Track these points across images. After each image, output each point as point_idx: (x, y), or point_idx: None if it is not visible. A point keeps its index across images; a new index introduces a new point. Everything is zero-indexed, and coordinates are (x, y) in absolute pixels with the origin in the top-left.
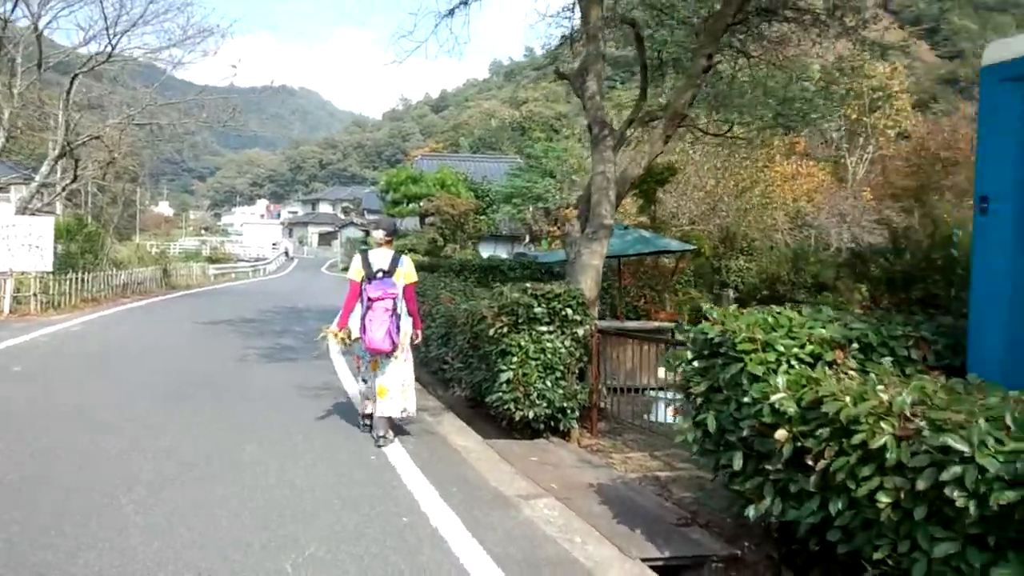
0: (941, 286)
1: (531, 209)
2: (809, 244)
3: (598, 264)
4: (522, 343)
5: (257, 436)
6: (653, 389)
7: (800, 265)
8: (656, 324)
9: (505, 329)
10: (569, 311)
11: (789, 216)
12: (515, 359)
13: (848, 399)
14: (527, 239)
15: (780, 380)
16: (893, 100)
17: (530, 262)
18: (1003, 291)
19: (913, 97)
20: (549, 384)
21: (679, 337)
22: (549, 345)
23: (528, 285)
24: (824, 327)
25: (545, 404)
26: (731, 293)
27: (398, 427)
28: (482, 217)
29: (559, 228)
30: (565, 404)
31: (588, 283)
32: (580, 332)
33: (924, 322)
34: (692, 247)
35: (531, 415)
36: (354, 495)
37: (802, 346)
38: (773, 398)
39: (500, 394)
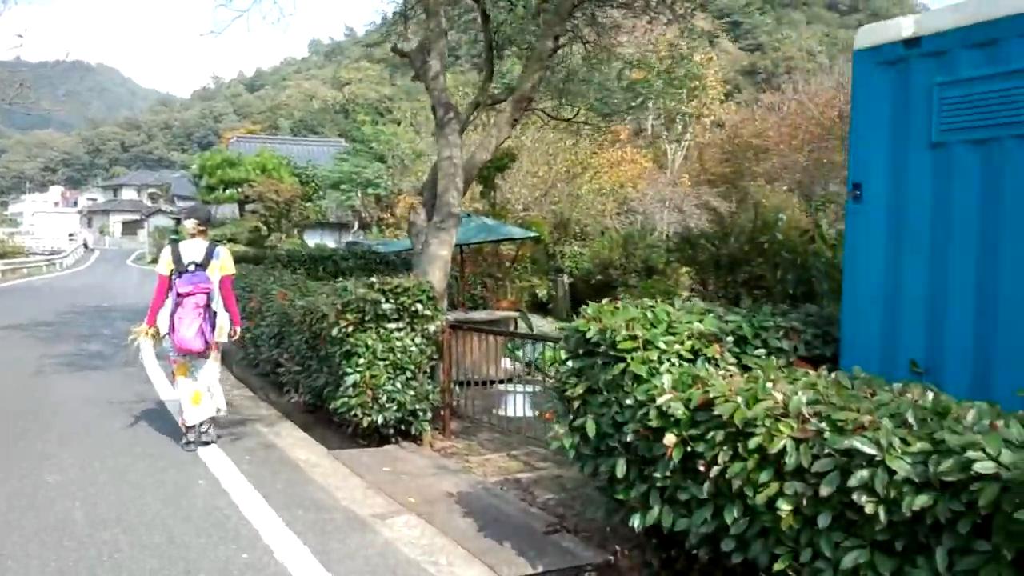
0: (765, 268)
1: (360, 195)
2: (638, 229)
3: (447, 255)
4: (369, 343)
5: (58, 467)
6: (499, 381)
7: (631, 250)
8: (501, 314)
9: (350, 328)
10: (419, 306)
11: (617, 202)
12: (362, 360)
13: (740, 400)
14: (356, 227)
15: (666, 380)
16: (708, 89)
17: (364, 252)
18: (876, 280)
19: (726, 87)
20: (399, 386)
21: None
22: (399, 344)
23: (374, 279)
24: (700, 321)
25: (395, 407)
26: (566, 279)
27: (230, 442)
28: (308, 204)
29: (391, 215)
30: (417, 406)
31: (437, 275)
32: (431, 328)
33: (790, 312)
34: (533, 234)
35: (380, 420)
36: (181, 532)
37: (682, 342)
38: (660, 400)
39: (346, 399)
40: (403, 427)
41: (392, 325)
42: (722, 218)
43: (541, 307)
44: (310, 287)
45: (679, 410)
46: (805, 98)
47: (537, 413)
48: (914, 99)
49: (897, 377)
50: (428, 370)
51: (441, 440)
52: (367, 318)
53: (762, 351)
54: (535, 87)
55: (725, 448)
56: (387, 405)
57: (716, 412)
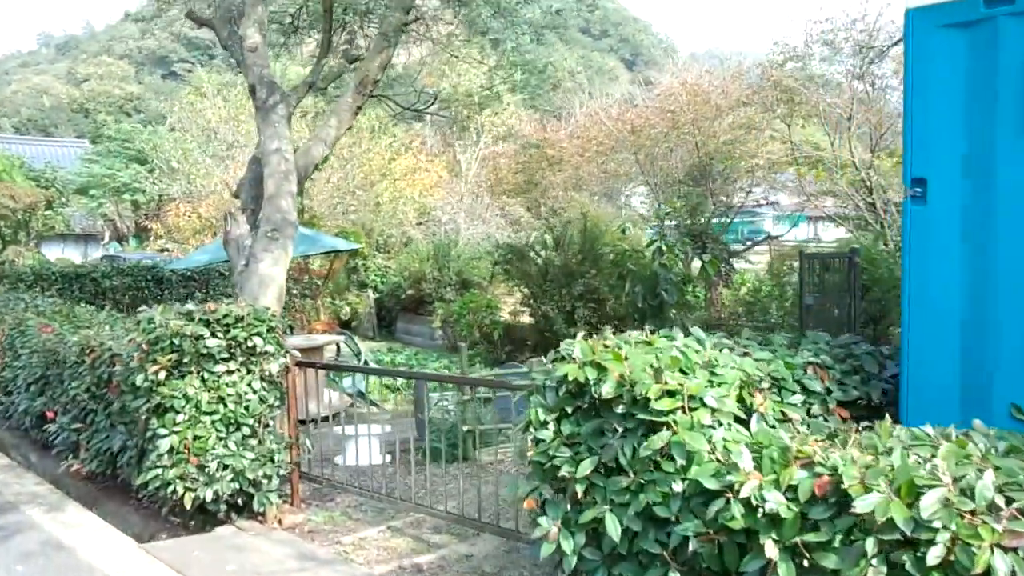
0: (600, 281)
1: (115, 202)
2: (449, 240)
3: (282, 274)
4: (190, 392)
5: None
6: (324, 419)
7: (444, 262)
8: (323, 339)
9: (162, 374)
10: (258, 341)
11: (418, 211)
12: (181, 417)
13: (883, 485)
14: (107, 238)
15: (745, 457)
16: (500, 97)
17: (132, 268)
18: (951, 302)
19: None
20: (234, 447)
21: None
22: (231, 391)
23: (192, 307)
24: (741, 361)
25: (231, 477)
26: (371, 294)
27: None
28: (49, 212)
29: (158, 224)
30: (260, 473)
31: (270, 300)
32: (273, 368)
33: (813, 342)
34: (357, 245)
35: (210, 496)
36: None
37: (730, 395)
38: (746, 488)
39: (158, 470)
40: (241, 501)
41: (221, 367)
42: (554, 228)
43: (344, 325)
44: (79, 316)
45: (781, 504)
46: (597, 109)
47: (389, 460)
48: (1003, 71)
49: (993, 426)
50: (271, 422)
51: (292, 513)
52: (186, 359)
53: (799, 396)
54: (383, 67)
55: (877, 566)
56: (219, 475)
57: (856, 509)
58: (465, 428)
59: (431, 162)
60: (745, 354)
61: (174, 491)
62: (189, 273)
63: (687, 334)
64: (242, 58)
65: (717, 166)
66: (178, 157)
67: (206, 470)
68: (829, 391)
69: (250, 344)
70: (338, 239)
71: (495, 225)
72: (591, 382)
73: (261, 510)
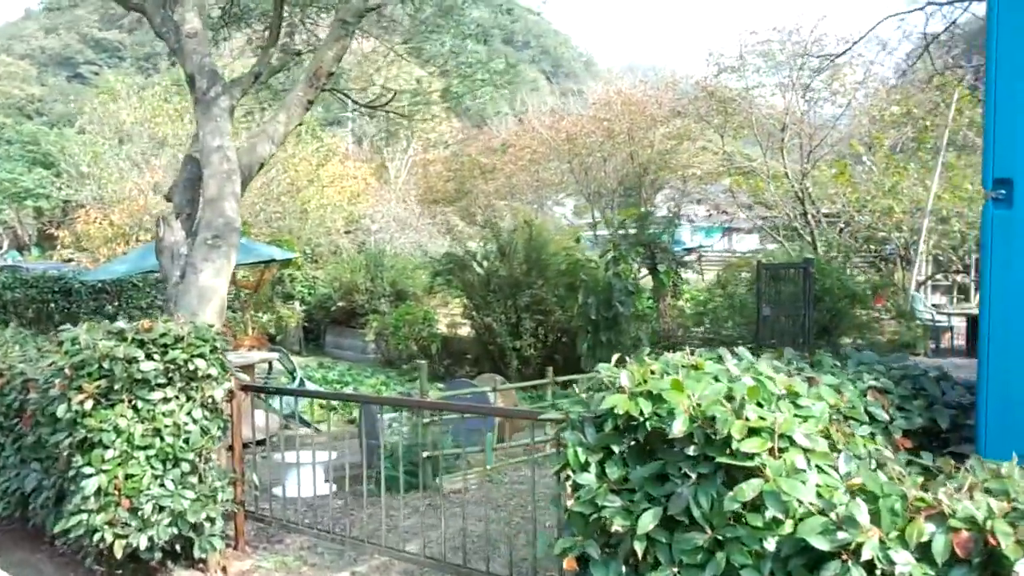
0: (546, 292)
1: (15, 208)
2: (380, 250)
3: (224, 286)
4: (121, 424)
5: None
6: (254, 444)
7: (377, 272)
8: (258, 356)
9: (89, 404)
10: (200, 363)
11: (346, 219)
12: (111, 453)
13: None
14: (5, 246)
15: (860, 506)
16: (431, 105)
17: (37, 279)
18: None
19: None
20: (172, 486)
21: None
22: (168, 422)
23: (123, 325)
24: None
25: (168, 521)
26: (298, 306)
27: None
28: None
29: (66, 232)
30: (203, 514)
31: (211, 315)
32: (218, 394)
33: (861, 362)
34: (293, 254)
35: (143, 543)
36: None
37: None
38: (868, 548)
39: (82, 515)
40: (179, 547)
41: (157, 395)
42: (500, 238)
43: (271, 340)
44: None
45: (913, 567)
46: (531, 117)
47: (334, 489)
48: None
49: None
50: (212, 456)
51: (237, 558)
52: (117, 386)
53: (866, 427)
54: (338, 58)
55: None
56: (154, 519)
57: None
58: (425, 454)
59: (358, 168)
60: (809, 379)
61: (101, 538)
62: (100, 285)
63: (651, 348)
64: (178, 46)
65: (650, 176)
66: (88, 161)
67: (139, 514)
68: (891, 419)
69: (191, 367)
70: (272, 248)
71: (427, 234)
72: (646, 416)
73: (203, 556)
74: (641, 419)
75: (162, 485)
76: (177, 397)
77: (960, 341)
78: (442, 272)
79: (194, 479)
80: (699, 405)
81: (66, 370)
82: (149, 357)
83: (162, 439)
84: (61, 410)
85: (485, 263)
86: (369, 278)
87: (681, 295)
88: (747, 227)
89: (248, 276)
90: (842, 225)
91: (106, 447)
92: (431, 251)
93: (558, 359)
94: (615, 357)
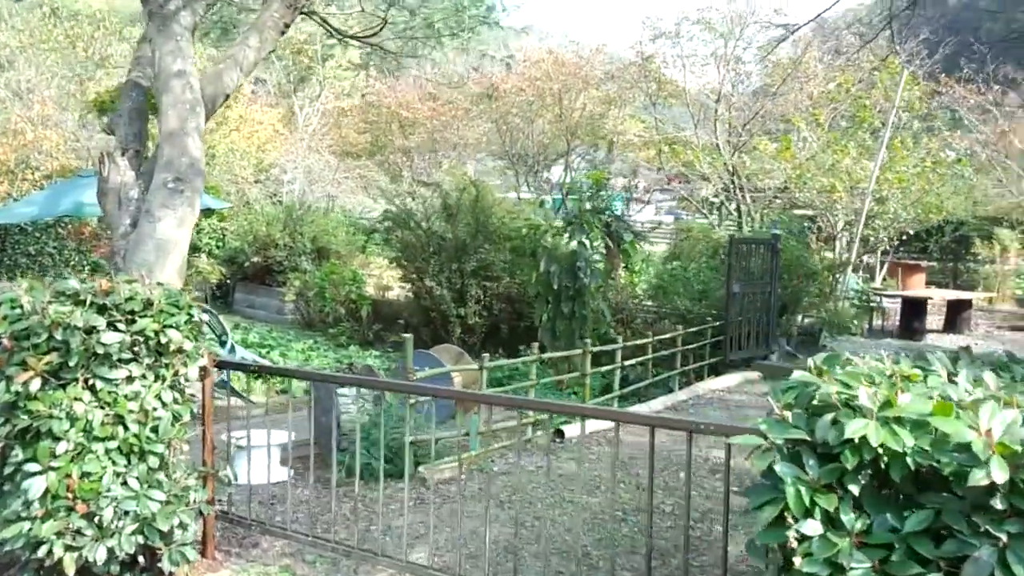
0: (496, 256)
1: None
2: (301, 203)
3: (187, 238)
4: (77, 410)
5: None
6: None
7: (297, 227)
8: None
9: (36, 384)
10: (174, 334)
11: (256, 167)
12: (63, 446)
13: None
14: None
15: None
16: (344, 51)
17: None
18: None
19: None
20: (138, 486)
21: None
22: (133, 407)
23: (75, 284)
24: None
25: (133, 528)
26: (204, 258)
27: None
28: None
29: None
30: (175, 519)
31: (171, 273)
32: (192, 372)
33: None
34: (227, 204)
35: (102, 556)
36: None
37: None
38: None
39: (24, 523)
40: (143, 558)
41: (120, 373)
42: (446, 197)
43: None
44: None
45: None
46: (461, 69)
47: (291, 477)
48: None
49: None
50: (185, 447)
51: (210, 568)
52: (72, 362)
53: None
54: None
55: None
56: (116, 526)
57: None
58: (409, 439)
59: (265, 114)
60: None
61: (48, 552)
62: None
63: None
64: None
65: (578, 141)
66: None
67: (97, 520)
68: None
69: (163, 340)
70: (207, 196)
71: (345, 188)
72: (906, 451)
73: (171, 570)
74: (902, 455)
75: (125, 484)
76: (144, 376)
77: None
78: (380, 231)
79: (163, 476)
80: (1005, 443)
81: (4, 341)
82: (112, 327)
83: (126, 428)
84: None
85: (425, 224)
86: (287, 233)
87: (634, 267)
88: (646, 199)
89: None
90: (771, 200)
91: (57, 438)
92: (348, 207)
93: (503, 328)
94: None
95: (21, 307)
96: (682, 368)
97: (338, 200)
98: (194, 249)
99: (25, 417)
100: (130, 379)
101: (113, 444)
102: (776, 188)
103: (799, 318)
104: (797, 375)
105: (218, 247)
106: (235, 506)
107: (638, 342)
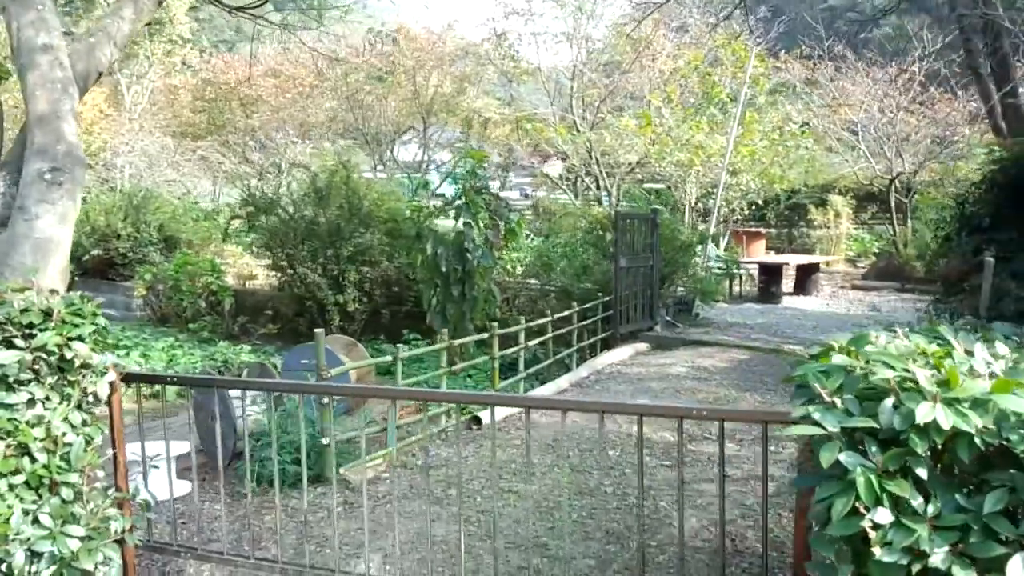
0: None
1: None
2: (147, 190)
3: (68, 236)
4: None
5: None
6: None
7: (140, 216)
8: None
9: None
10: (81, 348)
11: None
12: None
13: None
14: None
15: None
16: (172, 25)
17: None
18: None
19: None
20: (51, 522)
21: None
22: (39, 434)
23: None
24: None
25: (51, 571)
26: None
27: None
28: None
29: None
30: (98, 556)
31: (54, 277)
32: (102, 390)
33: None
34: None
35: None
36: None
37: None
38: None
39: None
40: None
41: (20, 396)
42: (316, 180)
43: None
44: None
45: None
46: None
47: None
48: None
49: None
50: (100, 474)
51: None
52: None
53: None
54: None
55: None
56: (29, 571)
57: None
58: (325, 440)
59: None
60: None
61: None
62: None
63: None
64: None
65: (433, 118)
66: None
67: (6, 567)
68: None
69: (68, 355)
70: None
71: (187, 172)
72: (978, 432)
73: None
74: (955, 435)
75: (37, 522)
76: (48, 398)
77: (748, 288)
78: (242, 217)
79: (79, 508)
80: None
81: None
82: (8, 344)
83: (32, 459)
84: None
85: (291, 208)
86: (130, 223)
87: (519, 247)
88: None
89: None
90: (625, 174)
91: None
92: (194, 192)
93: (384, 314)
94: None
95: None
96: (578, 345)
97: (180, 184)
98: None
99: None
100: (31, 402)
101: (19, 479)
102: (631, 163)
103: (674, 289)
104: (837, 359)
105: None
106: (181, 536)
107: (540, 321)
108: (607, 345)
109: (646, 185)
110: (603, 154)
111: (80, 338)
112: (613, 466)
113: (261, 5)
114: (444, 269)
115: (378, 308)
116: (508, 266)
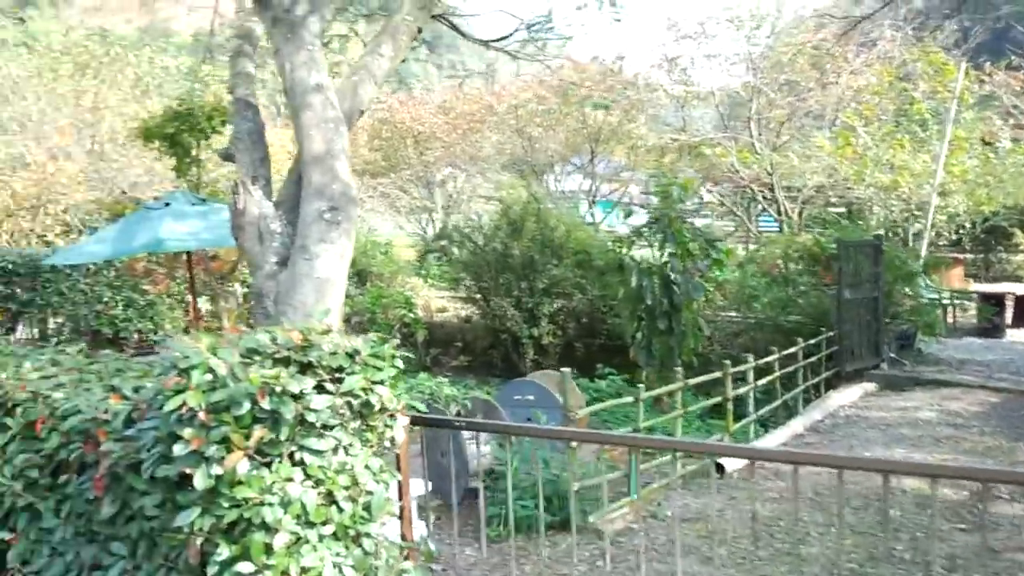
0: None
1: None
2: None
3: (344, 275)
4: (292, 493)
5: None
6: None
7: None
8: None
9: (245, 466)
10: (384, 393)
11: None
12: (281, 538)
13: None
14: None
15: None
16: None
17: None
18: None
19: None
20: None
21: None
22: (344, 482)
23: (264, 338)
24: None
25: None
26: (239, 288)
27: None
28: None
29: None
30: None
31: (335, 317)
32: (399, 436)
33: None
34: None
35: None
36: None
37: None
38: None
39: None
40: None
41: (327, 443)
42: (508, 210)
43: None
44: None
45: None
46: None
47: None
48: None
49: None
50: (385, 522)
51: None
52: (282, 435)
53: None
54: None
55: None
56: None
57: None
58: (576, 485)
59: (277, 136)
60: None
61: None
62: (11, 266)
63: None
64: None
65: (601, 147)
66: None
67: None
68: None
69: (370, 401)
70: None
71: (369, 208)
72: None
73: None
74: None
75: (340, 572)
76: (351, 445)
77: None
78: (434, 250)
79: (378, 561)
80: None
81: (200, 415)
82: (321, 389)
83: (339, 509)
84: (200, 478)
85: (483, 241)
86: None
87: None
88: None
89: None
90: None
91: (269, 529)
92: (375, 227)
93: (578, 347)
94: None
95: (214, 372)
96: (804, 385)
97: (362, 220)
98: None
99: (225, 506)
100: (335, 449)
101: (328, 529)
102: (814, 187)
103: (895, 323)
104: None
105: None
106: None
107: (768, 359)
108: (830, 385)
109: (829, 210)
110: (782, 177)
111: (383, 381)
112: (899, 527)
113: (505, 39)
114: (649, 302)
115: (571, 341)
116: (707, 298)
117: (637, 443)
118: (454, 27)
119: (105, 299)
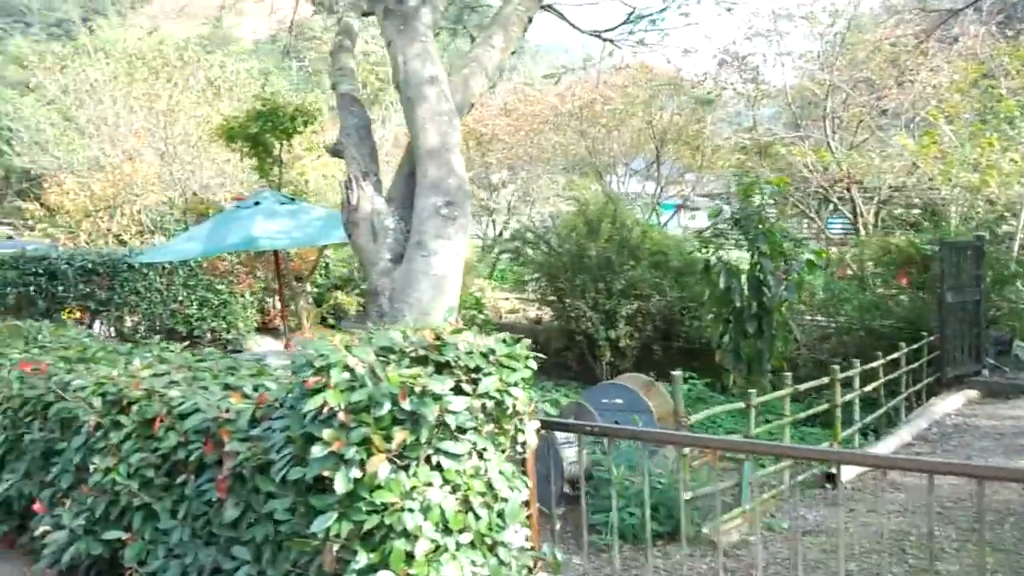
0: (645, 274)
1: None
2: None
3: (460, 271)
4: (432, 498)
5: None
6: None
7: None
8: None
9: (385, 469)
10: (519, 394)
11: None
12: (423, 545)
13: None
14: None
15: None
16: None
17: (16, 258)
18: None
19: None
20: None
21: None
22: (479, 487)
23: (397, 336)
24: None
25: None
26: (309, 289)
27: None
28: None
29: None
30: None
31: (450, 310)
32: (532, 439)
33: None
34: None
35: None
36: None
37: None
38: None
39: None
40: None
41: (463, 447)
42: (585, 210)
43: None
44: (68, 338)
45: None
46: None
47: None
48: None
49: None
50: (528, 532)
51: None
52: (422, 437)
53: None
54: None
55: None
56: None
57: None
58: (687, 495)
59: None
60: None
61: None
62: (90, 265)
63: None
64: None
65: (667, 147)
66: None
67: None
68: None
69: (505, 402)
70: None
71: None
72: None
73: None
74: None
75: None
76: (485, 449)
77: None
78: (508, 251)
79: (511, 572)
80: None
81: (340, 415)
82: (459, 390)
83: (476, 516)
84: (340, 481)
85: (563, 241)
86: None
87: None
88: (702, 204)
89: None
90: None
91: (409, 536)
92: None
93: (656, 349)
94: None
95: (351, 371)
96: (907, 392)
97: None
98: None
99: (364, 511)
100: (471, 454)
101: (466, 537)
102: (891, 187)
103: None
104: None
105: (322, 275)
106: None
107: (872, 364)
108: (931, 391)
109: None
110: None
111: (518, 383)
112: None
113: (614, 29)
114: (738, 304)
115: (648, 343)
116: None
117: (756, 450)
118: (562, 16)
119: (180, 298)
